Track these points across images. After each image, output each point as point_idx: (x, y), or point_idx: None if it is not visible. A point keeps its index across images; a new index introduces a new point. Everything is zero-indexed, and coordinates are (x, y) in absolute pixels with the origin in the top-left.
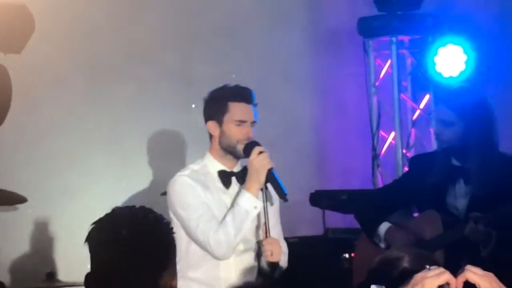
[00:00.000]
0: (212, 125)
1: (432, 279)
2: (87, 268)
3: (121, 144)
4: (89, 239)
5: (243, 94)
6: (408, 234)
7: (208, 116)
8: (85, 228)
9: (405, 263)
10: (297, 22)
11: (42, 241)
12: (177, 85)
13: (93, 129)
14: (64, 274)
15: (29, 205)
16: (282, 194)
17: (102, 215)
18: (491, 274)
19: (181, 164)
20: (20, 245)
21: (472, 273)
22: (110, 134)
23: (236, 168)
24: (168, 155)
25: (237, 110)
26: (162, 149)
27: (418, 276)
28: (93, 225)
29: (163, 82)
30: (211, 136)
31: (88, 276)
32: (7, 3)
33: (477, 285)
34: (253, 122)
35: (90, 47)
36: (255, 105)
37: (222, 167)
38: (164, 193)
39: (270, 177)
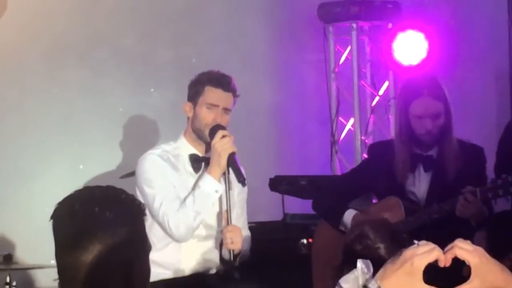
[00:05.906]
0: (188, 107)
1: (422, 256)
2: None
3: (78, 126)
4: (54, 216)
5: (220, 80)
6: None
7: (188, 97)
8: (42, 211)
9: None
10: (258, 7)
11: None
12: (137, 68)
13: (50, 111)
14: (22, 256)
15: None
16: (240, 179)
17: (58, 197)
18: (480, 249)
19: (140, 148)
20: None
21: (461, 249)
22: (67, 116)
23: (208, 154)
24: (127, 139)
25: (210, 94)
26: (120, 132)
27: (407, 253)
28: (58, 204)
29: (122, 65)
30: (188, 118)
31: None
32: None
33: (466, 262)
34: (226, 110)
35: (49, 29)
36: (236, 96)
37: (194, 150)
38: (124, 176)
39: (231, 161)
